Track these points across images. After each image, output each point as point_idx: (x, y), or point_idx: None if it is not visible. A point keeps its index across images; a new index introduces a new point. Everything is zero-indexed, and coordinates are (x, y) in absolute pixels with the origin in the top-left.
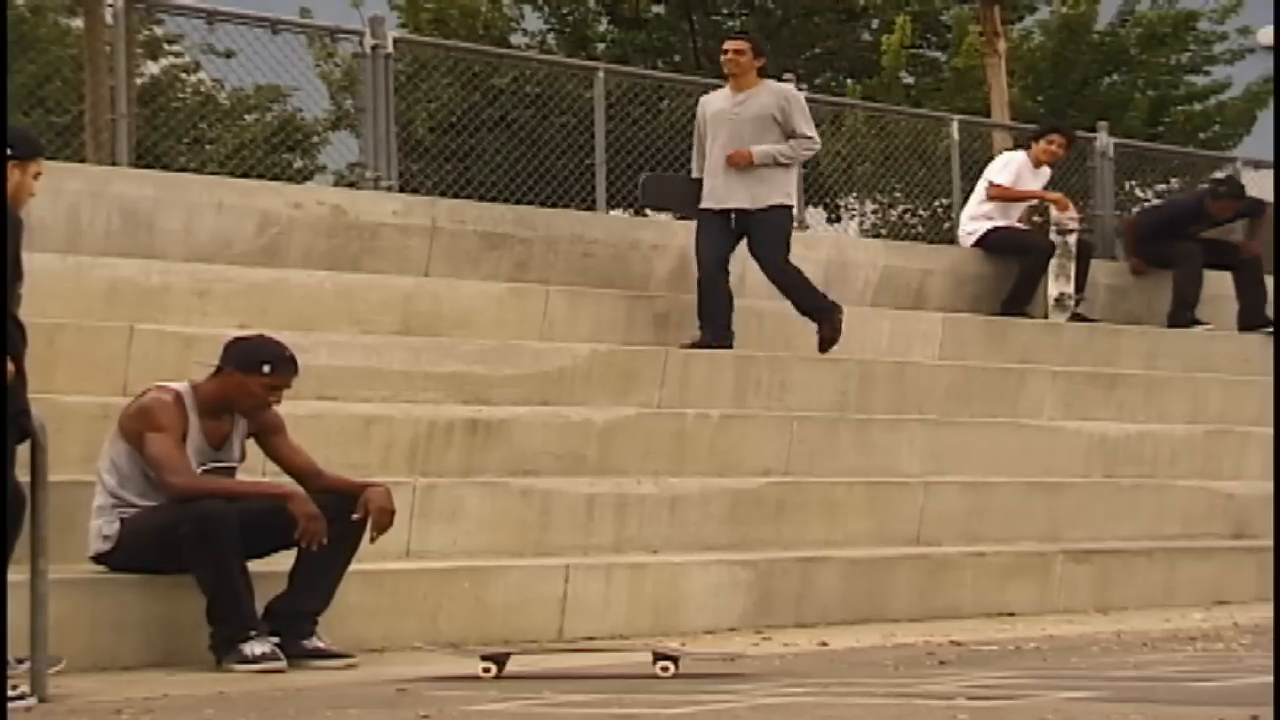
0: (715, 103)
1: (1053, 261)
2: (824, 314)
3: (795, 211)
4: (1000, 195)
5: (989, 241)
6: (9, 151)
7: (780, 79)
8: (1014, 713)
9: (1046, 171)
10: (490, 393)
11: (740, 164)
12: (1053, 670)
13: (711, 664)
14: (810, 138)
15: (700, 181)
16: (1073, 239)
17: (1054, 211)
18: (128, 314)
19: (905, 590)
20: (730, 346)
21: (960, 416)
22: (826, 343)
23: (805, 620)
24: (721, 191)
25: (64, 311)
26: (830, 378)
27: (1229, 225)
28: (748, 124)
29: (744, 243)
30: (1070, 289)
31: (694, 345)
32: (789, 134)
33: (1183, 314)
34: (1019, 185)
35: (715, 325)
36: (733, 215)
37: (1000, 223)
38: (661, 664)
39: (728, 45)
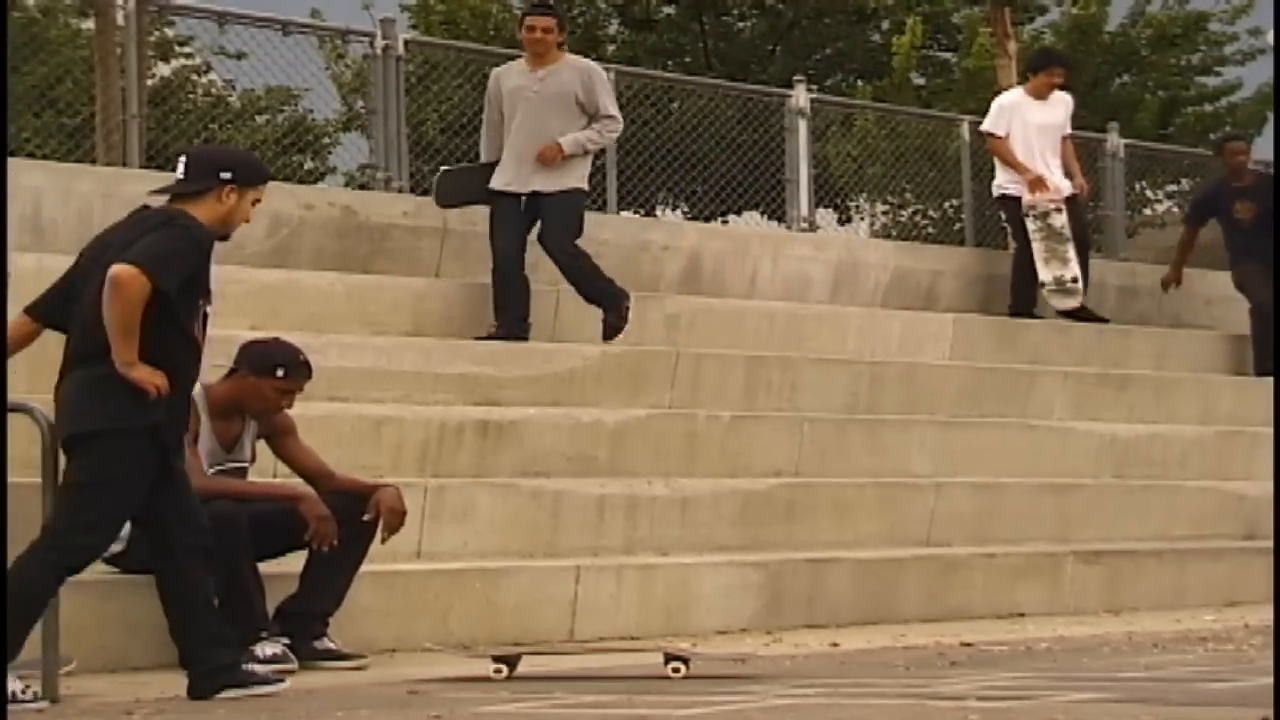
0: (512, 78)
1: (1035, 246)
2: (611, 301)
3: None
4: (996, 150)
5: (1003, 209)
6: (230, 175)
7: (791, 82)
8: (1024, 714)
9: (1057, 107)
10: (501, 394)
11: (551, 161)
12: (1063, 671)
13: (722, 665)
14: (614, 118)
15: (490, 166)
16: (1058, 220)
17: (1026, 195)
18: None
19: (916, 591)
20: (525, 338)
21: (971, 417)
22: (612, 330)
23: (816, 621)
24: (518, 173)
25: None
26: (841, 379)
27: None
28: (548, 103)
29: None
30: (1066, 272)
31: (489, 337)
32: (591, 113)
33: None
34: (1015, 129)
35: (510, 316)
36: (524, 199)
37: (1010, 190)
38: (673, 665)
39: (535, 22)
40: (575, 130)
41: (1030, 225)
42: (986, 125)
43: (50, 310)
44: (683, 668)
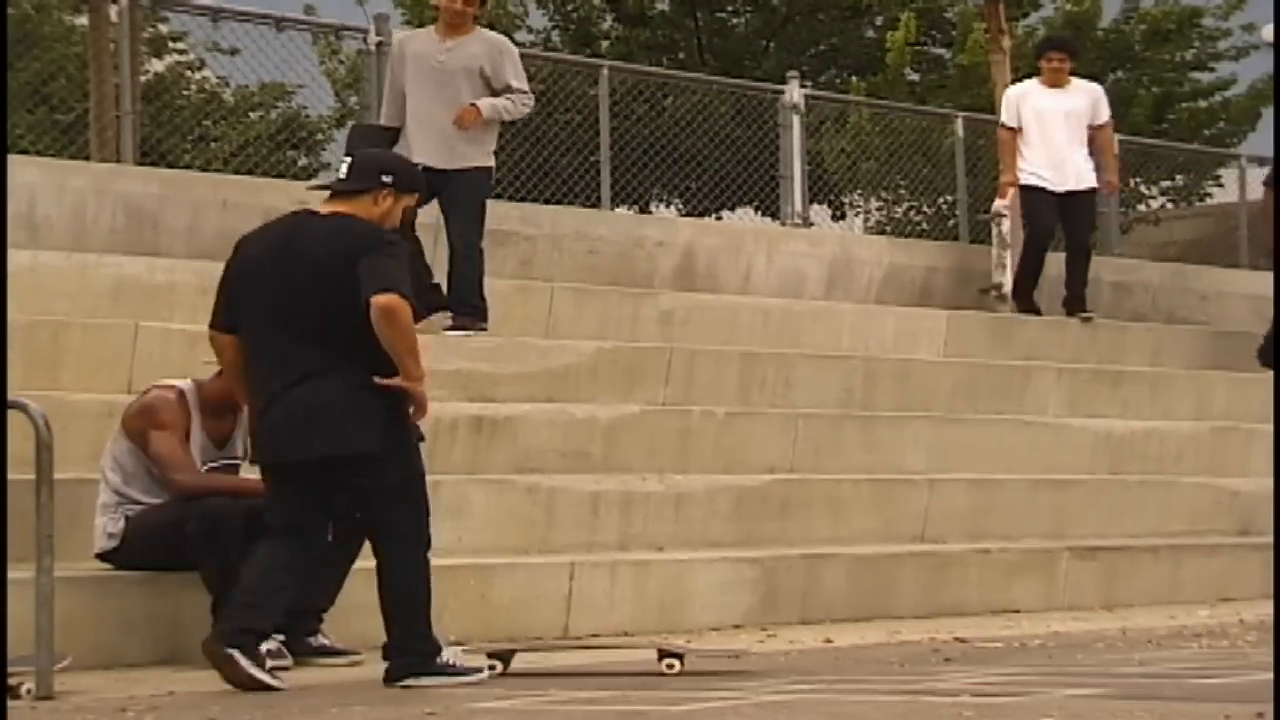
0: (418, 46)
1: (993, 249)
2: (474, 313)
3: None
4: (1000, 143)
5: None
6: (391, 179)
7: (785, 78)
8: (1019, 710)
9: (1077, 95)
10: (495, 390)
11: (469, 124)
12: (1058, 667)
13: (717, 661)
14: (525, 92)
15: (394, 130)
16: (1005, 226)
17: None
18: (133, 312)
19: (910, 587)
20: (444, 306)
21: (965, 414)
22: (448, 329)
23: (810, 617)
24: (421, 146)
25: (69, 309)
26: (835, 375)
27: None
28: (454, 75)
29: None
30: (1002, 279)
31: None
32: (498, 89)
33: None
34: (1027, 117)
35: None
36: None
37: (1025, 180)
38: (667, 661)
39: None
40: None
41: (993, 228)
42: (1001, 118)
43: (232, 317)
44: (677, 664)
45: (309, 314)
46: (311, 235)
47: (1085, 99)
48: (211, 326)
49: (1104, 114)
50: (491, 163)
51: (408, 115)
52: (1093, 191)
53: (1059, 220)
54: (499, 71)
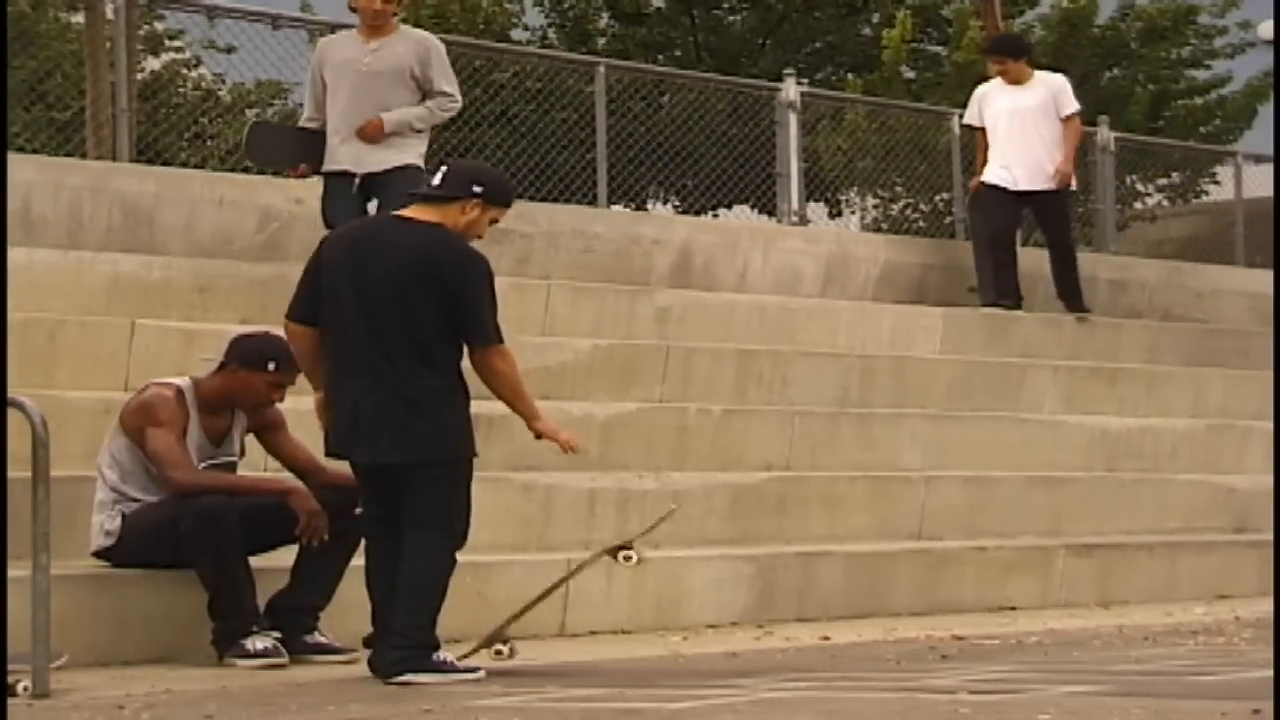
0: (341, 49)
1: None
2: None
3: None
4: (977, 142)
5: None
6: (481, 190)
7: (781, 75)
8: (1015, 707)
9: (1036, 89)
10: None
11: (374, 138)
12: (1054, 664)
13: (713, 659)
14: (450, 94)
15: (311, 133)
16: None
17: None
18: (129, 310)
19: (907, 585)
20: None
21: (961, 411)
22: None
23: (807, 615)
24: (343, 152)
25: (65, 307)
26: (831, 372)
27: None
28: (379, 79)
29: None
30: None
31: None
32: (426, 91)
33: None
34: (988, 118)
35: None
36: (357, 178)
37: (985, 178)
38: (624, 554)
39: None
40: (407, 107)
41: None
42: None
43: (308, 310)
44: (633, 555)
45: (389, 315)
46: (400, 240)
47: (1043, 94)
48: (287, 316)
49: (1066, 107)
50: (421, 162)
51: (332, 120)
52: (1063, 194)
53: (1019, 220)
54: (427, 71)
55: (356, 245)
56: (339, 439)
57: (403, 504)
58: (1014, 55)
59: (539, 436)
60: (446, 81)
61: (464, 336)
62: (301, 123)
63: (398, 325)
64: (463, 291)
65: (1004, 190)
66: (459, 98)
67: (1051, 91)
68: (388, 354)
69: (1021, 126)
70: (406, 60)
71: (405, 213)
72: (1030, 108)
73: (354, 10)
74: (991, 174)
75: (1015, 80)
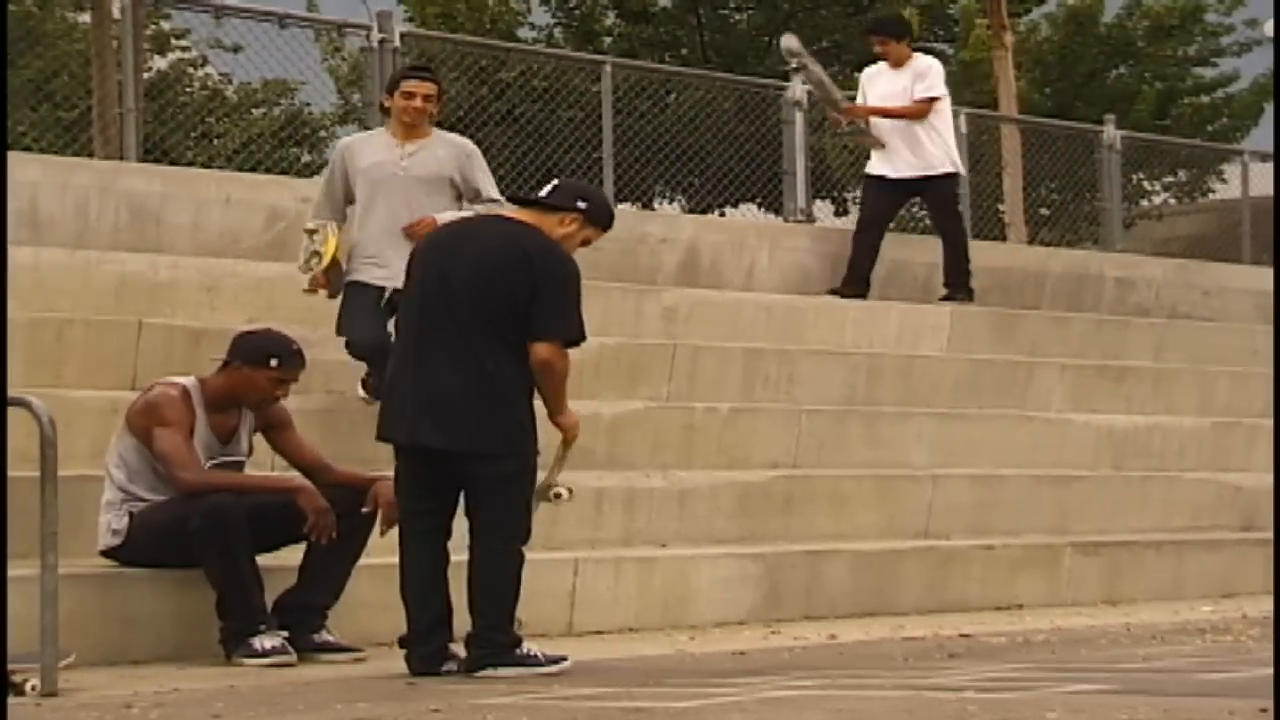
0: (370, 151)
1: None
2: None
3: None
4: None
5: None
6: (584, 207)
7: (788, 74)
8: (1023, 705)
9: (905, 74)
10: None
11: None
12: (1061, 662)
13: (720, 658)
14: (499, 200)
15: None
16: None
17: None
18: (136, 309)
19: (914, 583)
20: None
21: (968, 409)
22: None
23: (814, 613)
24: (378, 270)
25: (73, 306)
26: (838, 371)
27: None
28: (419, 185)
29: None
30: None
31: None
32: (471, 196)
33: None
34: (871, 102)
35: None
36: (387, 292)
37: (874, 169)
38: (554, 492)
39: (416, 89)
40: (452, 212)
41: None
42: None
43: None
44: (564, 492)
45: (471, 302)
46: (494, 231)
47: (909, 77)
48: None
49: (922, 90)
50: None
51: (368, 231)
52: (947, 177)
53: (894, 209)
54: (469, 179)
55: (453, 235)
56: (403, 423)
57: (467, 501)
58: (896, 36)
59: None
60: (491, 186)
61: (535, 326)
62: (308, 224)
63: (479, 312)
64: (547, 285)
65: (882, 179)
66: (503, 200)
67: (917, 72)
68: (467, 341)
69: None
70: (448, 168)
71: (505, 213)
72: (901, 92)
73: (384, 111)
74: (872, 163)
75: (896, 63)
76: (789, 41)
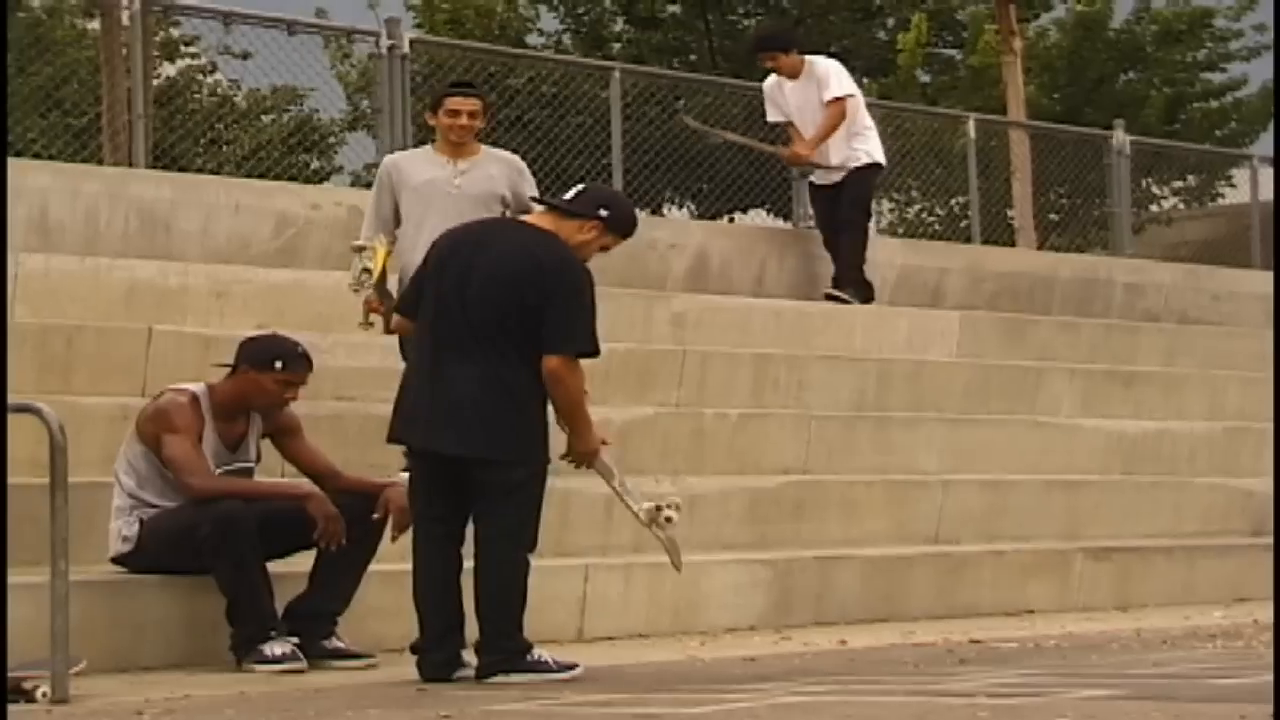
0: (421, 169)
1: None
2: None
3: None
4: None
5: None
6: (605, 214)
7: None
8: (1034, 711)
9: (806, 81)
10: None
11: None
12: (1072, 668)
13: (731, 664)
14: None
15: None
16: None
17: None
18: (146, 315)
19: (924, 589)
20: None
21: (978, 415)
22: None
23: (824, 619)
24: None
25: (82, 313)
26: (848, 377)
27: None
28: (472, 202)
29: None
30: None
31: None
32: (519, 211)
33: None
34: (792, 116)
35: None
36: None
37: (815, 177)
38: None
39: (461, 105)
40: None
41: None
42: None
43: (411, 307)
44: (673, 514)
45: (483, 307)
46: (510, 237)
47: (814, 87)
48: (395, 309)
49: (829, 91)
50: None
51: (411, 250)
52: (865, 169)
53: (835, 214)
54: (520, 195)
55: (468, 237)
56: (418, 428)
57: (474, 506)
58: (784, 49)
59: (573, 455)
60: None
61: (545, 338)
62: (360, 240)
63: (492, 320)
64: (556, 295)
65: (819, 187)
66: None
67: (818, 79)
68: (482, 347)
69: (814, 120)
70: (500, 185)
71: (525, 218)
72: (812, 102)
73: (431, 127)
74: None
75: (792, 74)
76: (688, 121)
